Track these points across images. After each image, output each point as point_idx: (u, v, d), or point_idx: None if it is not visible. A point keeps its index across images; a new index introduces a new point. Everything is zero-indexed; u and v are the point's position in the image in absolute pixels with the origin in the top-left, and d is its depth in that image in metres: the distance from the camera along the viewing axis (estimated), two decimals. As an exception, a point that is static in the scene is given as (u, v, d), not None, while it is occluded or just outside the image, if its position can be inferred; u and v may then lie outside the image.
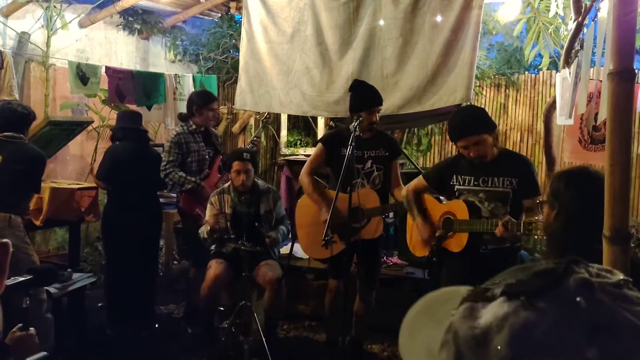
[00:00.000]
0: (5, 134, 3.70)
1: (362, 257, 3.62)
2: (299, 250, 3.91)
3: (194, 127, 4.28)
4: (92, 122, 5.47)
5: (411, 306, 0.73)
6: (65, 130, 5.08)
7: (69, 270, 3.99)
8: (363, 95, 3.54)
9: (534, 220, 2.62)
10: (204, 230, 3.83)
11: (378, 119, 3.51)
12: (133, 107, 5.43)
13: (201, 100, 4.30)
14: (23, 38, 5.42)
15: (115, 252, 4.35)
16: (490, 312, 0.56)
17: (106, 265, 4.53)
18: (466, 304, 0.59)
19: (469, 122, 2.93)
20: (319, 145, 3.70)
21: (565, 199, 1.71)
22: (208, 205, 3.92)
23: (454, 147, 6.44)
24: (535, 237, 2.56)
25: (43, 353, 1.18)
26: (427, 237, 3.09)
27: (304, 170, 3.63)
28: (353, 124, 3.35)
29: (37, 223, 4.45)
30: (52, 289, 3.64)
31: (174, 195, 5.74)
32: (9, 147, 3.69)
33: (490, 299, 0.57)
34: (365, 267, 3.63)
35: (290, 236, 4.11)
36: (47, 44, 5.50)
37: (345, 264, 3.54)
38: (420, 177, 3.25)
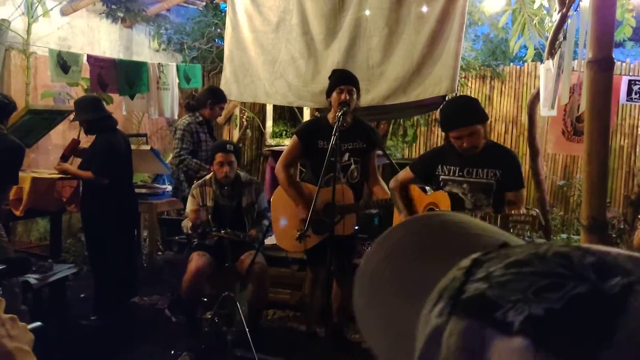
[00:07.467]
0: None
1: (337, 248, 3.57)
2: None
3: (200, 118, 4.43)
4: (74, 111, 5.38)
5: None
6: (46, 119, 5.00)
7: (49, 260, 3.94)
8: (332, 77, 3.49)
9: (511, 213, 2.63)
10: (186, 224, 3.79)
11: (348, 97, 3.34)
12: (115, 96, 5.36)
13: (217, 97, 4.50)
14: (3, 25, 5.31)
15: (120, 241, 4.35)
16: (503, 357, 0.33)
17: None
18: (468, 321, 0.35)
19: (464, 112, 2.87)
20: (294, 137, 3.62)
21: None
22: (189, 198, 3.86)
23: (440, 138, 6.44)
24: (511, 230, 2.55)
25: (38, 323, 1.14)
26: None
27: (279, 163, 3.54)
28: (337, 114, 3.29)
29: (17, 213, 4.39)
30: (32, 280, 3.59)
31: (157, 185, 5.72)
32: None
33: (502, 326, 0.33)
34: (340, 255, 3.56)
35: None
36: (28, 32, 5.40)
37: (323, 254, 3.52)
38: (407, 168, 3.23)
